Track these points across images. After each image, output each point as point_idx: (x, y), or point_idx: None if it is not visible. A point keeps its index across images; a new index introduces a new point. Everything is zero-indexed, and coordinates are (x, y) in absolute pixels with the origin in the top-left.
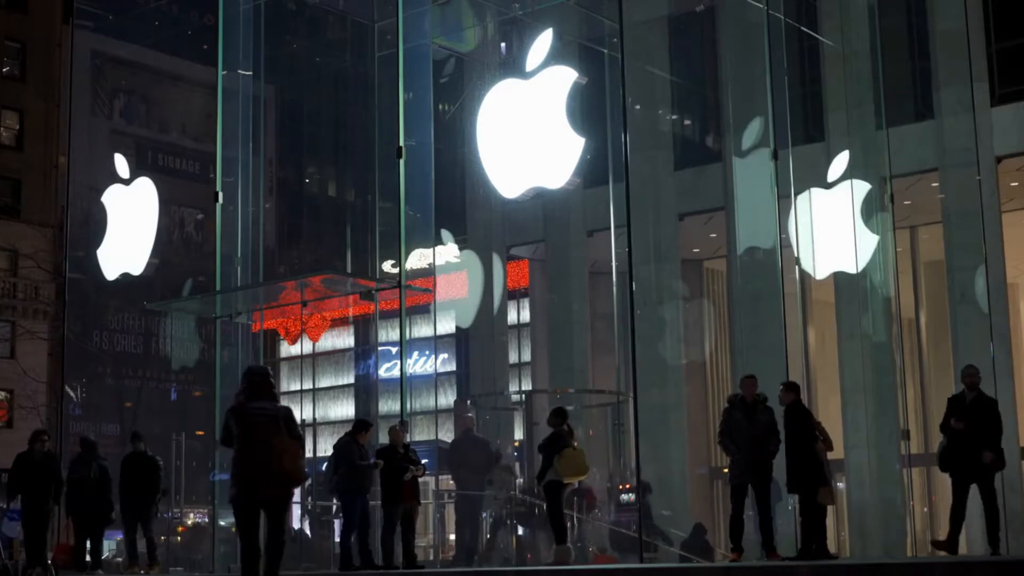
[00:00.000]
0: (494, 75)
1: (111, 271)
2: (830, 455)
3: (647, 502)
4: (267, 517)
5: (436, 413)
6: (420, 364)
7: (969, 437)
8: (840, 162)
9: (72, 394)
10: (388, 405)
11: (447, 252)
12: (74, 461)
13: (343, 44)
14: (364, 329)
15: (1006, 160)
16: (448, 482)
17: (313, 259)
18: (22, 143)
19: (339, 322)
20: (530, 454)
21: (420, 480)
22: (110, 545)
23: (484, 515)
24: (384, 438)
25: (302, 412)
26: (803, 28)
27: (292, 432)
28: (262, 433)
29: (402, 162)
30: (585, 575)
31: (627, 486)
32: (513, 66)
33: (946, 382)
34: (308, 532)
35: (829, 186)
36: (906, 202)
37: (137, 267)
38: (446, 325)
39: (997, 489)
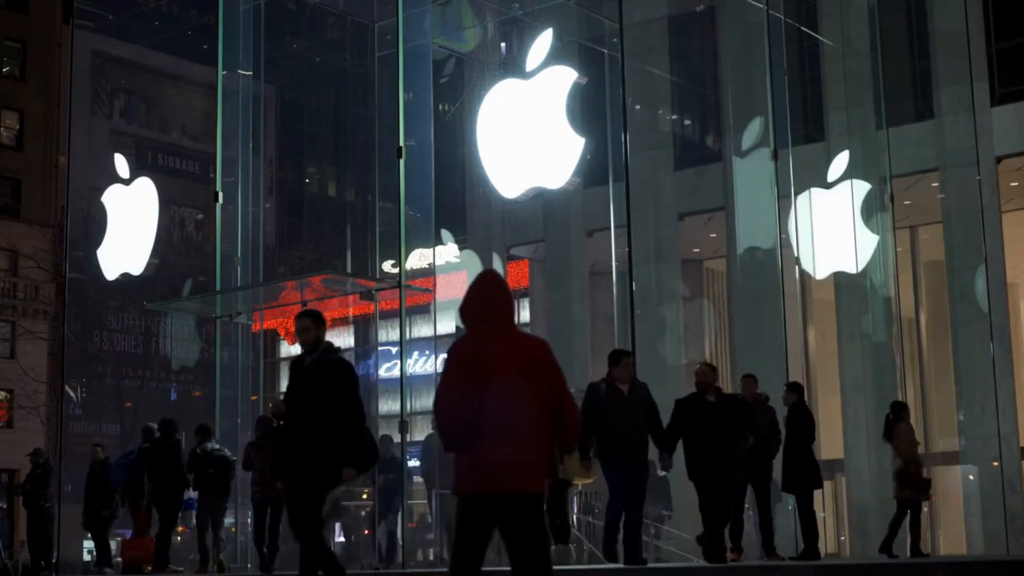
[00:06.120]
0: (494, 75)
1: (111, 271)
2: (830, 455)
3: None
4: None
5: None
6: (420, 364)
7: None
8: (840, 162)
9: (72, 394)
10: (388, 405)
11: (447, 252)
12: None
13: (343, 44)
14: (364, 329)
15: (1006, 160)
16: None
17: (313, 259)
18: (22, 143)
19: (339, 322)
20: None
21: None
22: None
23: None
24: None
25: None
26: (803, 28)
27: None
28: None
29: (402, 162)
30: (585, 575)
31: None
32: (513, 66)
33: (946, 382)
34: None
35: (829, 186)
36: (906, 202)
37: (137, 267)
38: (446, 325)
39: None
